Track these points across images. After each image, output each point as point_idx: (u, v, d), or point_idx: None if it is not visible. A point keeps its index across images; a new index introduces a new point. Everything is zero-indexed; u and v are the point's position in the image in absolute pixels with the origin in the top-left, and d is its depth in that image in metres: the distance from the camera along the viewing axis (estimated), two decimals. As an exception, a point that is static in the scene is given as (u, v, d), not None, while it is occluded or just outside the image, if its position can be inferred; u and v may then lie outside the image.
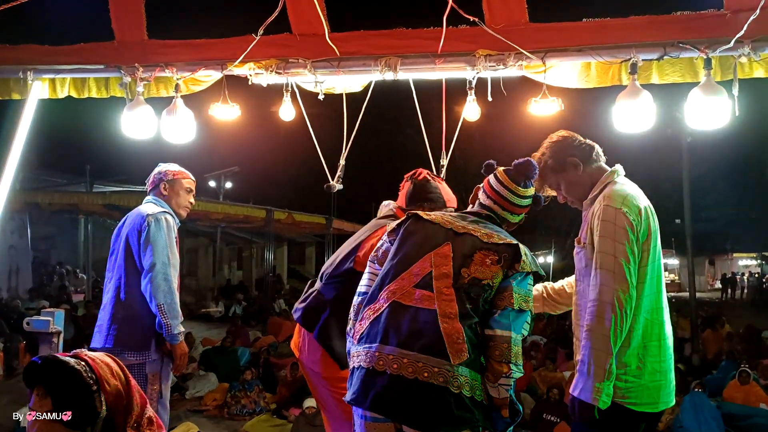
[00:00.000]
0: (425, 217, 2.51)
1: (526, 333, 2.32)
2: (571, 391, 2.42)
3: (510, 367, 2.23)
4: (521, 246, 2.37)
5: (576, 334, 2.57)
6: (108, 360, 2.21)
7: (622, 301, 2.30)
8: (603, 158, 2.69)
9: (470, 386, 2.21)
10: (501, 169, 2.62)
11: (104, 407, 2.09)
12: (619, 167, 2.64)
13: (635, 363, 2.38)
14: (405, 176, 3.16)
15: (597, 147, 2.68)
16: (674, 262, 35.51)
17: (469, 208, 2.65)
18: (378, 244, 2.65)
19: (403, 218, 2.59)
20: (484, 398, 2.26)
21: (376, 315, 2.33)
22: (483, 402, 2.25)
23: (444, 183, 3.18)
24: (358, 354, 2.33)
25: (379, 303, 2.35)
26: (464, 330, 2.22)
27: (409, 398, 2.17)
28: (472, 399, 2.20)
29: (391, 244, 2.53)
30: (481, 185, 2.66)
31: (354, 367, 2.34)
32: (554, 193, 2.79)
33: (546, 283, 3.04)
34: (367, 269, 2.62)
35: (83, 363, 2.11)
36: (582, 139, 2.69)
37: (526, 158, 2.62)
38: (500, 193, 2.56)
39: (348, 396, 2.33)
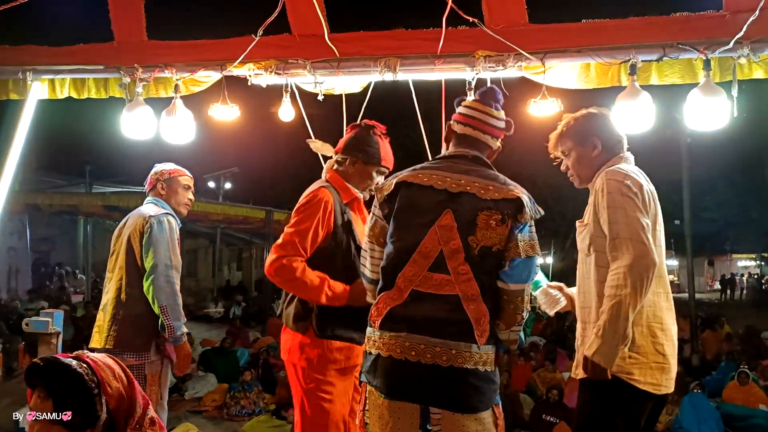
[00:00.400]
0: (414, 181, 2.35)
1: (535, 276, 2.42)
2: (585, 352, 2.32)
3: (523, 315, 2.34)
4: (522, 197, 2.31)
5: (582, 318, 2.55)
6: (110, 362, 2.20)
7: (642, 267, 2.23)
8: (625, 154, 2.64)
9: (492, 360, 2.30)
10: (468, 99, 2.64)
11: (105, 410, 2.09)
12: (627, 154, 2.63)
13: (639, 341, 2.37)
14: (350, 125, 3.15)
15: (625, 141, 2.67)
16: (673, 262, 35.50)
17: (450, 150, 2.52)
18: (369, 221, 2.52)
19: (390, 189, 2.40)
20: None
21: (397, 303, 2.29)
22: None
23: (387, 142, 3.11)
24: (383, 341, 2.28)
25: (397, 290, 2.30)
26: (488, 309, 2.27)
27: (447, 384, 2.22)
28: (493, 372, 2.31)
29: (386, 221, 2.42)
30: (452, 120, 2.58)
31: (379, 355, 2.29)
32: (560, 156, 2.76)
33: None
34: (366, 249, 2.54)
35: (85, 365, 2.11)
36: (617, 129, 2.68)
37: (489, 86, 2.62)
38: (475, 116, 2.49)
39: (380, 386, 2.29)
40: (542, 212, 2.37)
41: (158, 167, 3.79)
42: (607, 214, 2.36)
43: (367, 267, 2.54)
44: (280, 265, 2.78)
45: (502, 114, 2.54)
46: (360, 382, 2.48)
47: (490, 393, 2.30)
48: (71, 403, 2.03)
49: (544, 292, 2.90)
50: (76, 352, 2.19)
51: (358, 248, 2.89)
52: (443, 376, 2.21)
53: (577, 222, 2.64)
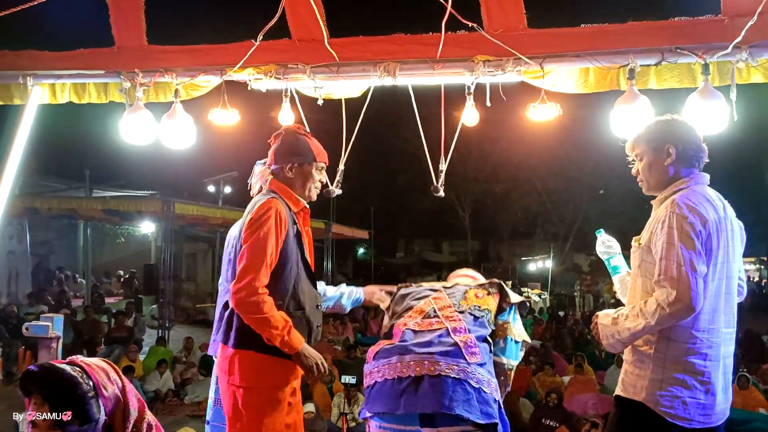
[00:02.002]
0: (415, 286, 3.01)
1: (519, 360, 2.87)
2: (601, 320, 2.53)
3: (507, 388, 2.80)
4: (502, 283, 2.95)
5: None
6: (104, 365, 2.21)
7: (676, 310, 2.24)
8: (701, 166, 2.57)
9: (489, 385, 2.51)
10: None
11: (103, 413, 2.09)
12: (700, 176, 2.53)
13: (677, 375, 2.35)
14: (274, 135, 3.04)
15: (703, 155, 2.56)
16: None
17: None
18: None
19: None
20: (500, 402, 2.56)
21: (389, 342, 2.65)
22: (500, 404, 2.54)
23: (313, 138, 3.05)
24: (378, 369, 2.57)
25: (392, 332, 2.74)
26: (476, 338, 2.60)
27: (434, 390, 2.43)
28: (492, 397, 2.50)
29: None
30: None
31: (376, 382, 2.56)
32: (634, 159, 2.68)
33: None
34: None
35: (79, 370, 2.12)
36: (698, 139, 2.57)
37: None
38: None
39: (377, 408, 2.53)
40: (528, 302, 3.13)
41: (262, 169, 3.57)
42: (662, 248, 2.32)
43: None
44: (248, 300, 2.62)
45: None
46: None
47: (485, 414, 2.52)
48: (68, 408, 2.03)
49: (621, 280, 2.88)
50: (70, 358, 2.20)
51: (306, 263, 2.90)
52: (431, 383, 2.51)
53: (633, 238, 2.56)
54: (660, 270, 2.31)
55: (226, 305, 2.84)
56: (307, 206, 3.01)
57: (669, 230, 2.32)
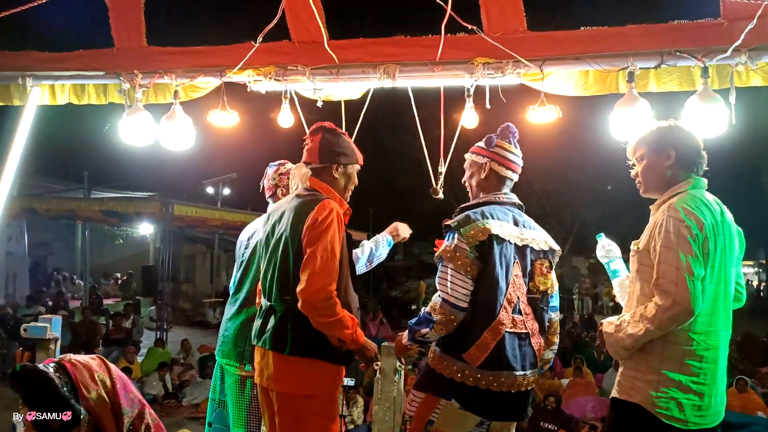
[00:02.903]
0: (501, 236, 2.71)
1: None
2: (605, 328, 2.55)
3: (557, 336, 3.03)
4: (557, 246, 3.05)
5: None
6: (93, 364, 2.21)
7: (676, 313, 2.25)
8: (700, 171, 2.57)
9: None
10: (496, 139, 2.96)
11: (84, 413, 2.09)
12: (698, 180, 2.53)
13: (672, 377, 2.35)
14: (309, 133, 2.94)
15: (702, 161, 2.57)
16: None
17: (502, 197, 2.92)
18: (458, 249, 2.68)
19: (485, 236, 2.68)
20: None
21: (495, 342, 2.66)
22: None
23: (347, 135, 2.99)
24: (494, 378, 2.66)
25: (494, 331, 2.66)
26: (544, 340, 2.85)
27: (526, 403, 2.83)
28: None
29: (479, 259, 2.67)
30: (493, 161, 2.92)
31: (490, 390, 2.66)
32: (634, 162, 2.68)
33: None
34: (452, 275, 2.66)
35: (61, 369, 2.12)
36: (697, 145, 2.57)
37: (506, 125, 3.01)
38: (511, 159, 2.95)
39: (501, 417, 2.77)
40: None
41: (274, 170, 3.52)
42: (660, 252, 2.34)
43: (458, 296, 2.65)
44: (333, 297, 2.56)
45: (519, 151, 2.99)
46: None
47: None
48: (46, 409, 2.04)
49: (621, 284, 2.90)
50: (60, 357, 2.20)
51: (352, 264, 2.87)
52: (525, 398, 2.82)
53: (632, 243, 2.56)
54: (658, 274, 2.32)
55: (271, 310, 2.75)
56: (350, 209, 2.92)
57: (666, 234, 2.33)
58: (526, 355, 2.75)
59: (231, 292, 3.51)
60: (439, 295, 2.67)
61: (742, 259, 2.69)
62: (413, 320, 2.75)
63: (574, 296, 25.76)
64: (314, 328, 2.61)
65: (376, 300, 20.73)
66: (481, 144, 2.97)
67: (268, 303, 2.77)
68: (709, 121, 3.34)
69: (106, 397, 2.17)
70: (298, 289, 2.58)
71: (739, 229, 2.58)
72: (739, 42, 3.24)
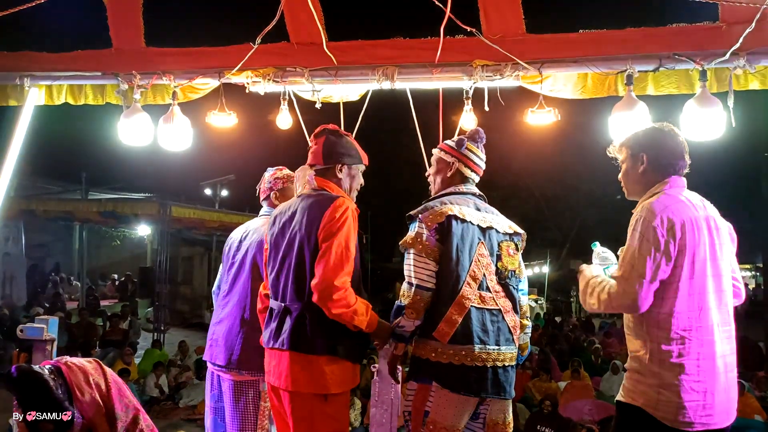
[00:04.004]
0: (460, 216, 2.79)
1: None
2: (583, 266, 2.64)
3: (528, 320, 3.06)
4: (521, 230, 3.05)
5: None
6: (89, 367, 2.21)
7: (618, 304, 2.39)
8: (681, 172, 2.56)
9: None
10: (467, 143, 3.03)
11: (78, 416, 2.09)
12: (676, 180, 2.53)
13: (671, 379, 2.35)
14: (313, 136, 2.95)
15: (681, 161, 2.56)
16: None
17: (462, 188, 2.99)
18: (418, 234, 2.77)
19: (443, 217, 2.77)
20: None
21: (462, 317, 2.72)
22: None
23: (351, 136, 3.01)
24: (466, 353, 2.70)
25: (459, 305, 2.73)
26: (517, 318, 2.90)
27: (507, 380, 2.85)
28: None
29: (439, 242, 2.76)
30: (459, 162, 3.00)
31: (465, 365, 2.70)
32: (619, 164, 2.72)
33: None
34: (414, 259, 2.75)
35: (57, 372, 2.12)
36: (676, 146, 2.56)
37: (476, 129, 3.10)
38: (476, 162, 3.03)
39: (486, 392, 2.76)
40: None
41: (271, 174, 3.53)
42: (625, 248, 2.43)
43: (422, 277, 2.74)
44: (347, 288, 2.61)
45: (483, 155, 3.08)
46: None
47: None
48: (41, 411, 2.04)
49: None
50: (57, 358, 2.20)
51: (363, 262, 2.91)
52: (507, 373, 2.85)
53: (619, 249, 2.59)
54: (619, 265, 2.44)
55: (286, 311, 2.74)
56: (358, 208, 2.92)
57: (633, 233, 2.40)
58: (500, 331, 2.81)
59: (218, 294, 3.48)
60: (406, 281, 2.77)
61: (738, 263, 2.69)
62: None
63: (572, 299, 25.78)
64: (331, 325, 2.64)
65: (372, 302, 20.70)
66: (452, 144, 3.04)
67: (282, 304, 2.76)
68: (708, 124, 3.35)
69: (100, 400, 2.17)
70: (313, 282, 2.60)
71: (729, 224, 2.60)
72: (737, 45, 3.25)
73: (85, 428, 2.13)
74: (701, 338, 2.37)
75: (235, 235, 3.50)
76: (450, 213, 2.76)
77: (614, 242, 3.01)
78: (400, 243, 2.82)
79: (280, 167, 3.54)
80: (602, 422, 7.45)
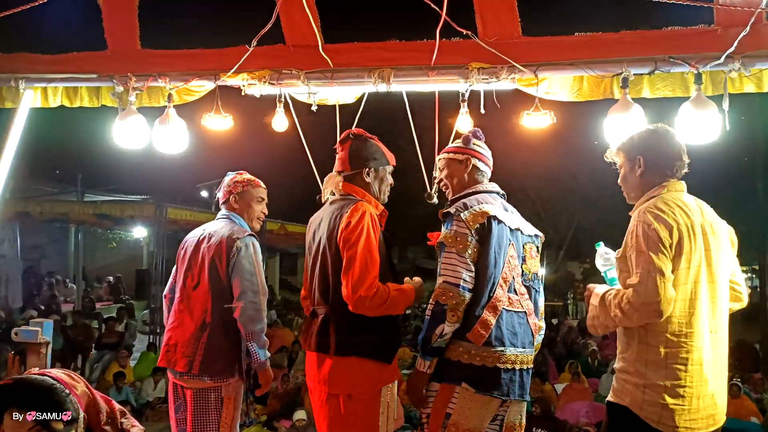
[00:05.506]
0: (499, 217, 2.75)
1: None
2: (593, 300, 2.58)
3: (543, 322, 3.02)
4: (540, 233, 3.04)
5: (618, 341, 2.59)
6: (62, 374, 2.27)
7: (645, 313, 2.29)
8: (679, 174, 2.56)
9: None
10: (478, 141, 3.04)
11: (81, 411, 2.14)
12: (674, 183, 2.52)
13: (656, 380, 2.35)
14: (338, 142, 3.00)
15: (679, 163, 2.55)
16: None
17: (487, 186, 2.97)
18: (460, 234, 2.69)
19: (484, 218, 2.72)
20: None
21: (495, 320, 2.69)
22: None
23: (377, 139, 3.05)
24: (499, 355, 2.67)
25: (493, 308, 2.69)
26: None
27: (528, 382, 2.83)
28: None
29: (479, 242, 2.71)
30: (473, 158, 2.97)
31: (497, 368, 2.67)
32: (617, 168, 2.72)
33: None
34: (457, 259, 2.67)
35: (47, 376, 2.16)
36: (672, 148, 2.56)
37: (475, 129, 3.09)
38: (488, 156, 3.04)
39: (514, 394, 2.73)
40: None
41: (231, 178, 3.56)
42: (634, 257, 2.37)
43: (462, 276, 2.66)
44: (377, 289, 2.65)
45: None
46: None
47: None
48: (52, 409, 2.05)
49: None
50: (28, 371, 2.25)
51: (393, 264, 2.95)
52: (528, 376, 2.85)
53: (616, 251, 2.59)
54: (634, 274, 2.35)
55: (314, 314, 2.86)
56: (386, 210, 2.99)
57: (636, 239, 2.37)
58: (526, 333, 2.79)
59: (171, 297, 3.50)
60: (445, 281, 2.67)
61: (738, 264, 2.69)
62: (421, 334, 2.73)
63: (568, 301, 25.80)
64: (356, 327, 2.71)
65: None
66: (459, 143, 3.03)
67: (312, 307, 2.91)
68: (703, 127, 3.36)
69: (88, 392, 2.25)
70: (344, 294, 2.67)
71: (730, 228, 2.59)
72: (732, 49, 3.27)
73: (86, 421, 2.18)
74: (691, 344, 2.36)
75: (191, 237, 3.50)
76: (491, 214, 2.73)
77: (612, 245, 3.02)
78: (439, 239, 2.77)
79: (241, 171, 3.59)
80: (599, 425, 7.46)
